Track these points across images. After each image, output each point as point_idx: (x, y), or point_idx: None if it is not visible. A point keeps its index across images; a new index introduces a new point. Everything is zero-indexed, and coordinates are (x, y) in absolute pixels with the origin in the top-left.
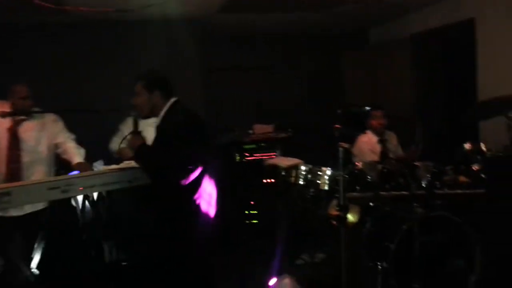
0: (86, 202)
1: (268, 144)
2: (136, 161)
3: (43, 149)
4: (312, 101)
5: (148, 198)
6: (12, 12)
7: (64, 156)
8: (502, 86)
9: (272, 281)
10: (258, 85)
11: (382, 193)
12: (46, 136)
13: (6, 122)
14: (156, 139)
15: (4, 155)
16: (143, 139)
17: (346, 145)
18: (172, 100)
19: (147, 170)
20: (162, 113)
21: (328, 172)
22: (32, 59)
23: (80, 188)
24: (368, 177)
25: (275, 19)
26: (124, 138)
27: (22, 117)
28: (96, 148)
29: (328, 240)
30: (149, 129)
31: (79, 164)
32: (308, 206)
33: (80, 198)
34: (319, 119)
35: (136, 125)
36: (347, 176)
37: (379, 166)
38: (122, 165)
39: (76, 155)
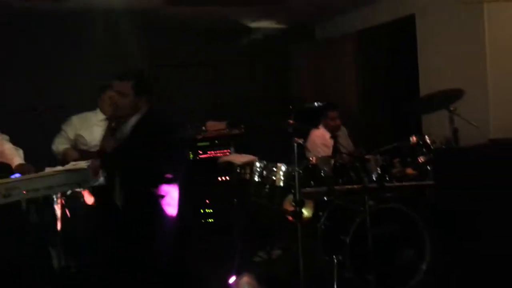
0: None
1: (221, 141)
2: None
3: None
4: (262, 96)
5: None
6: None
7: (1, 159)
8: (442, 80)
9: (232, 279)
10: (208, 81)
11: (336, 187)
12: None
13: None
14: (130, 142)
15: None
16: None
17: (300, 140)
18: (148, 106)
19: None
20: (137, 118)
21: (283, 168)
22: None
23: (24, 192)
24: (322, 171)
25: (221, 13)
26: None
27: None
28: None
29: (283, 236)
30: (94, 128)
31: (20, 165)
32: (264, 203)
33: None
34: (270, 114)
35: (110, 127)
36: (302, 172)
37: (332, 161)
38: (68, 167)
39: (16, 156)
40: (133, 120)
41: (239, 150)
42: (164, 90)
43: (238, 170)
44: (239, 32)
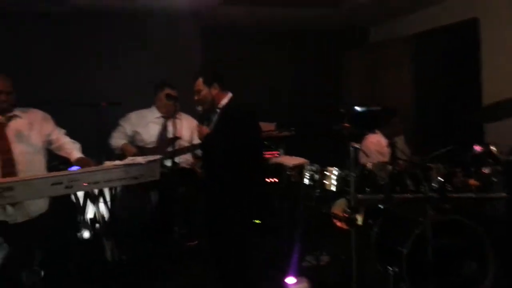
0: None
1: (271, 143)
2: (202, 149)
3: (36, 146)
4: (313, 99)
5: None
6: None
7: (60, 153)
8: (507, 86)
9: (290, 280)
10: (259, 81)
11: (393, 195)
12: (36, 133)
13: None
14: (218, 130)
15: None
16: (207, 129)
17: (357, 145)
18: (230, 94)
19: (212, 159)
20: (222, 105)
21: (336, 172)
22: (32, 51)
23: (84, 184)
24: (379, 178)
25: (276, 14)
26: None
27: (8, 115)
28: (92, 143)
29: (332, 241)
30: (150, 125)
31: (80, 159)
32: (313, 206)
33: (80, 194)
34: (321, 118)
35: (202, 117)
36: (357, 177)
37: (390, 167)
38: (126, 161)
39: (74, 150)
40: (220, 107)
41: (288, 153)
42: None
43: (288, 173)
44: (291, 33)
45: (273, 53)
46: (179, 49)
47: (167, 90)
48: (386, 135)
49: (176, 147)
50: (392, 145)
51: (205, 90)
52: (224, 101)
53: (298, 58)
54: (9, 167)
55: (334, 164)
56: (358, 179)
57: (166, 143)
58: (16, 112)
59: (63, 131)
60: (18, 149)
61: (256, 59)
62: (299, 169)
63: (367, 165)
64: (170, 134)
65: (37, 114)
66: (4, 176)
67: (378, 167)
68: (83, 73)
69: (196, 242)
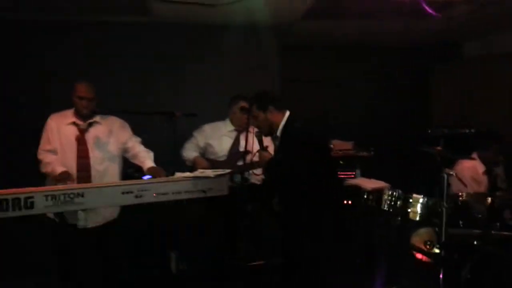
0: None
1: (347, 162)
2: (266, 175)
3: (113, 153)
4: (395, 118)
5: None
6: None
7: (134, 161)
8: None
9: None
10: (336, 99)
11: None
12: (114, 140)
13: (71, 131)
14: (278, 152)
15: (73, 165)
16: (270, 154)
17: (451, 171)
18: (287, 113)
19: (275, 183)
20: (281, 127)
21: (421, 200)
22: (111, 60)
23: (154, 195)
24: (474, 211)
25: (356, 28)
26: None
27: (89, 121)
28: (166, 153)
29: (411, 276)
30: (224, 138)
31: (152, 168)
32: (391, 235)
33: None
34: (405, 138)
35: (261, 142)
36: (449, 208)
37: (489, 199)
38: (195, 173)
39: (147, 159)
40: (278, 132)
41: (365, 175)
42: (291, 106)
43: (365, 196)
44: (374, 48)
45: (355, 70)
46: (257, 63)
47: (242, 103)
48: (484, 162)
49: (247, 162)
50: (490, 172)
51: (261, 116)
52: (283, 122)
53: (381, 74)
54: (85, 171)
55: (417, 191)
56: (451, 210)
57: (236, 157)
58: (96, 118)
59: (139, 139)
60: (95, 155)
61: (336, 76)
62: (379, 194)
63: (462, 195)
64: (241, 148)
65: (115, 122)
66: (79, 180)
67: (476, 198)
68: (161, 83)
69: (262, 262)
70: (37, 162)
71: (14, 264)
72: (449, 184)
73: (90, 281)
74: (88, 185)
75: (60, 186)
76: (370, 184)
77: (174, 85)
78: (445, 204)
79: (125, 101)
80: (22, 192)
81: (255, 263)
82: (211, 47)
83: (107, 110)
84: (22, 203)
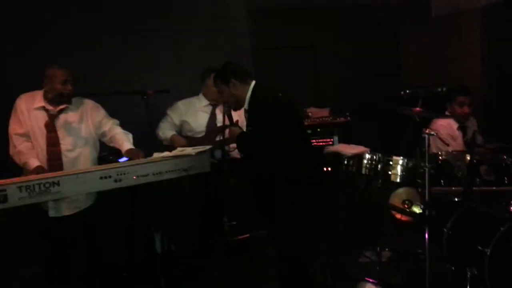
0: None
1: (324, 130)
2: (239, 150)
3: (86, 139)
4: (368, 81)
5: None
6: None
7: (112, 144)
8: None
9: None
10: (308, 65)
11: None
12: (87, 126)
13: (41, 116)
14: (248, 125)
15: (43, 153)
16: (240, 128)
17: (433, 132)
18: (252, 83)
19: (249, 158)
20: (247, 99)
21: (401, 161)
22: (66, 38)
23: (134, 177)
24: (456, 168)
25: None
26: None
27: (60, 107)
28: (140, 133)
29: (391, 235)
30: (199, 114)
31: (130, 150)
32: (372, 198)
33: None
34: (378, 101)
35: (230, 117)
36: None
37: (468, 156)
38: (175, 152)
39: (126, 141)
40: (246, 105)
41: (343, 141)
42: (265, 74)
43: (345, 162)
44: (343, 9)
45: (323, 32)
46: (226, 33)
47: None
48: (455, 117)
49: (226, 136)
50: (463, 128)
51: (225, 90)
52: (248, 94)
53: (350, 35)
54: (56, 160)
55: (397, 153)
56: (432, 170)
57: (215, 132)
58: (67, 104)
59: (115, 121)
60: (67, 142)
61: (304, 40)
62: (359, 159)
63: (441, 154)
64: (219, 122)
65: (87, 105)
66: (50, 169)
67: (455, 157)
68: (128, 60)
69: (248, 235)
70: (11, 147)
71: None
72: (429, 145)
73: (74, 269)
74: (63, 172)
75: (34, 176)
76: (350, 149)
77: (142, 61)
78: (427, 164)
79: (93, 82)
80: None
81: (240, 237)
82: (180, 20)
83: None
84: None
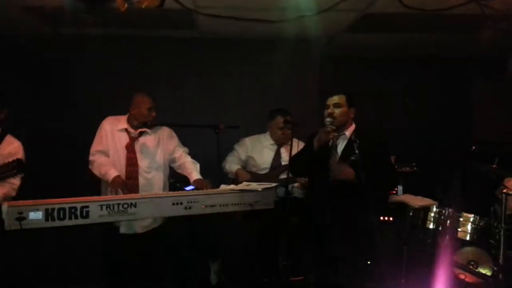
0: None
1: None
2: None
3: (160, 162)
4: (438, 132)
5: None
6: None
7: (180, 171)
8: None
9: None
10: (374, 112)
11: None
12: (162, 150)
13: (123, 137)
14: (349, 154)
15: (122, 172)
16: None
17: (510, 191)
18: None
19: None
20: (350, 131)
21: (472, 219)
22: (157, 74)
23: (202, 206)
24: None
25: (400, 40)
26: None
27: (140, 130)
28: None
29: None
30: (265, 151)
31: (199, 180)
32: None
33: None
34: (445, 154)
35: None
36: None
37: None
38: (241, 186)
39: (194, 170)
40: (347, 134)
41: (407, 191)
42: None
43: (411, 214)
44: (416, 60)
45: (396, 82)
46: (297, 76)
47: (284, 117)
48: None
49: (290, 175)
50: None
51: (345, 109)
52: (352, 126)
53: (423, 87)
54: (133, 179)
55: (467, 209)
56: (509, 231)
57: (279, 170)
58: (146, 128)
59: (186, 150)
60: (143, 164)
61: (371, 89)
62: (425, 211)
63: None
64: (284, 161)
65: (164, 131)
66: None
67: None
68: (204, 95)
69: (302, 278)
70: (89, 163)
71: (65, 270)
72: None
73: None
74: (140, 195)
75: (114, 196)
76: (416, 201)
77: (218, 98)
78: (503, 225)
79: (171, 114)
80: (78, 201)
81: (294, 279)
82: (253, 61)
83: (150, 123)
84: (78, 213)
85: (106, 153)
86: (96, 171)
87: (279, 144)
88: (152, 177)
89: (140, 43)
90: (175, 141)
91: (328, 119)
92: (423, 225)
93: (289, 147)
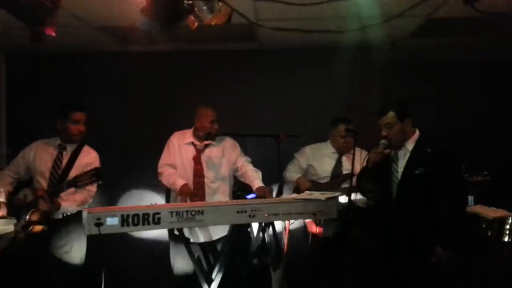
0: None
1: None
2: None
3: (224, 173)
4: (509, 139)
5: None
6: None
7: (243, 179)
8: None
9: None
10: (440, 118)
11: None
12: (226, 161)
13: (190, 150)
14: (416, 167)
15: (190, 183)
16: None
17: None
18: (418, 132)
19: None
20: (411, 143)
21: None
22: (219, 85)
23: (266, 215)
24: None
25: (465, 43)
26: None
27: (205, 143)
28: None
29: None
30: (325, 159)
31: (261, 188)
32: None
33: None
34: None
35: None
36: None
37: None
38: (304, 195)
39: (256, 179)
40: (409, 146)
41: (479, 201)
42: None
43: (483, 226)
44: (483, 63)
45: (464, 87)
46: (358, 84)
47: (346, 125)
48: None
49: (353, 184)
50: None
51: (397, 125)
52: (414, 137)
53: (492, 90)
54: (200, 189)
55: None
56: None
57: (340, 179)
58: (211, 141)
59: (248, 159)
60: (209, 175)
61: (441, 93)
62: (500, 223)
63: None
64: (345, 170)
65: (228, 142)
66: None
67: None
68: (266, 105)
69: None
70: (158, 175)
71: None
72: None
73: None
74: (207, 203)
75: (183, 204)
76: (490, 212)
77: (278, 107)
78: None
79: (234, 124)
80: (150, 208)
81: None
82: (314, 70)
83: (213, 133)
84: (151, 219)
85: (173, 166)
86: (165, 181)
87: (340, 152)
88: (217, 187)
89: (203, 56)
90: (237, 150)
91: (383, 142)
92: (498, 238)
93: (350, 155)
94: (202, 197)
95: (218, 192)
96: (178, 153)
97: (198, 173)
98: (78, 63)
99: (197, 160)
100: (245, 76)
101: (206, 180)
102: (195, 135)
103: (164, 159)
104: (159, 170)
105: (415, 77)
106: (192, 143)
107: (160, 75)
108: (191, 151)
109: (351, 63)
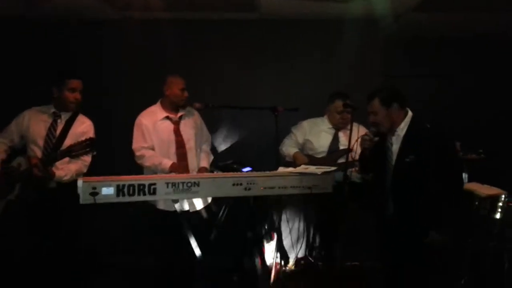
0: None
1: None
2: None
3: (200, 143)
4: (506, 118)
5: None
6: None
7: None
8: None
9: None
10: (439, 95)
11: None
12: (199, 133)
13: (166, 125)
14: (406, 154)
15: (173, 156)
16: None
17: None
18: (410, 113)
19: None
20: (403, 127)
21: None
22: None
23: (262, 188)
24: None
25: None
26: None
27: (179, 114)
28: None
29: None
30: (322, 134)
31: (202, 169)
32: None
33: None
34: None
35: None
36: None
37: None
38: (300, 169)
39: (205, 159)
40: (401, 131)
41: (473, 179)
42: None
43: (476, 203)
44: (481, 40)
45: (462, 64)
46: (359, 58)
47: (343, 100)
48: None
49: (349, 160)
50: None
51: (382, 112)
52: (406, 121)
53: (491, 68)
54: (183, 160)
55: None
56: None
57: (337, 155)
58: (183, 111)
59: (209, 137)
60: (190, 146)
61: (441, 70)
62: (492, 201)
63: None
64: (342, 146)
65: (197, 117)
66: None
67: None
68: (264, 77)
69: (358, 263)
70: (136, 158)
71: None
72: None
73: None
74: (203, 175)
75: (179, 175)
76: (484, 190)
77: (278, 80)
78: None
79: (231, 96)
80: (146, 178)
81: (350, 264)
82: (314, 43)
83: (211, 104)
84: (147, 189)
85: (150, 148)
86: (148, 163)
87: (337, 128)
88: (192, 158)
89: (201, 26)
90: (205, 128)
91: (372, 129)
92: (490, 215)
93: (347, 131)
94: (185, 168)
95: (193, 164)
96: (154, 132)
97: (180, 145)
98: (72, 30)
99: (177, 132)
100: (243, 46)
101: (187, 151)
102: (165, 107)
103: (139, 142)
104: (138, 153)
105: (416, 52)
106: (167, 117)
107: (158, 44)
108: (168, 126)
109: (353, 36)
